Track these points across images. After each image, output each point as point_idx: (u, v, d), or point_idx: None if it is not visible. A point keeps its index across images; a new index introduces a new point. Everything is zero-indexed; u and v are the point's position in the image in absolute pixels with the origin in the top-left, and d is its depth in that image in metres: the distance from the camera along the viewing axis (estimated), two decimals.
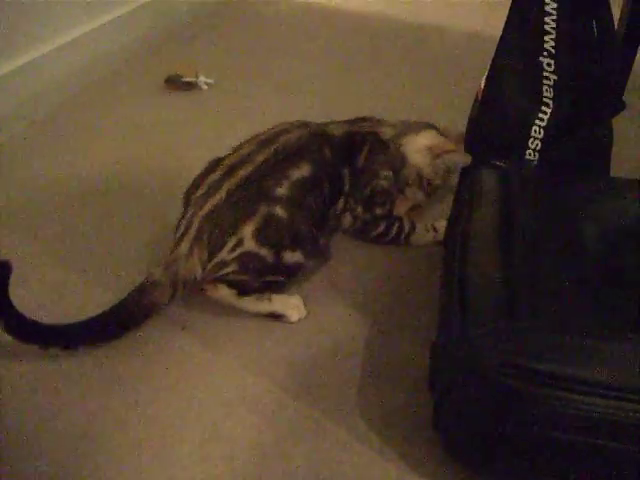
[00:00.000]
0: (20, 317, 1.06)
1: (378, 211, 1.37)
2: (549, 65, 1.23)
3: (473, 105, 1.44)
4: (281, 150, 1.24)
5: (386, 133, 1.39)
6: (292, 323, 1.22)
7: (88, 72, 2.07)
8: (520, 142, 1.28)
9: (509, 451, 0.88)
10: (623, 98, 1.33)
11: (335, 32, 2.51)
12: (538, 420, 0.83)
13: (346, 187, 1.34)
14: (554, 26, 1.21)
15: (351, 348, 1.17)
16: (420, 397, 1.07)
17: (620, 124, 1.34)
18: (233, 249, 1.16)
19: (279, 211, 1.18)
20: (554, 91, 1.25)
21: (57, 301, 1.25)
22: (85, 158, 1.66)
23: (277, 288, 1.24)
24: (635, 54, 1.56)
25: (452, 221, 1.24)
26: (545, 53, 1.23)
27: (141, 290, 1.15)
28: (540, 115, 1.26)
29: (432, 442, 1.00)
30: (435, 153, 1.39)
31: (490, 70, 1.33)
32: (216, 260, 1.17)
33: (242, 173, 1.20)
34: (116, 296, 1.15)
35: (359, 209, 1.36)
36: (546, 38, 1.22)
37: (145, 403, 1.07)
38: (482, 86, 1.37)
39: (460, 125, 1.47)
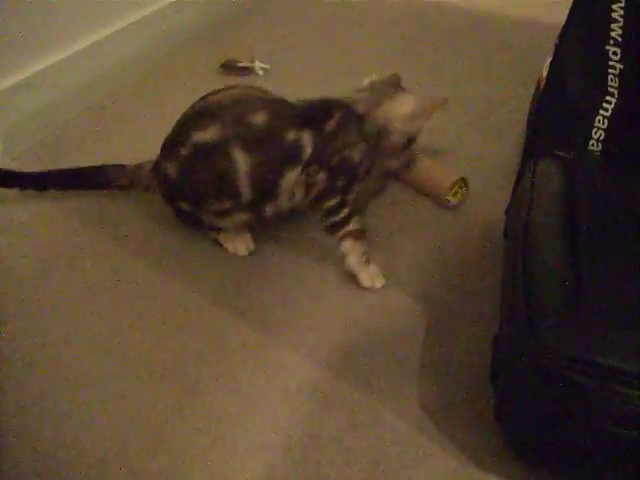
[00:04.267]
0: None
1: (339, 183, 1.28)
2: (615, 54, 1.21)
3: (534, 94, 1.42)
4: (198, 109, 1.27)
5: (358, 107, 1.30)
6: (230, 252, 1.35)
7: (144, 58, 2.08)
8: (583, 132, 1.25)
9: (571, 446, 0.88)
10: None
11: (389, 18, 2.49)
12: (601, 416, 0.82)
13: (305, 154, 1.25)
14: (622, 14, 1.18)
15: (410, 338, 1.17)
16: (480, 389, 1.07)
17: None
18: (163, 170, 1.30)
19: (171, 170, 1.27)
20: (619, 80, 1.22)
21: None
22: (144, 142, 1.67)
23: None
24: None
25: (512, 212, 1.22)
26: (611, 41, 1.20)
27: (112, 167, 1.42)
28: (604, 105, 1.24)
29: (493, 434, 1.00)
30: (424, 115, 1.37)
31: (553, 58, 1.31)
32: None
33: (181, 118, 1.29)
34: None
35: (320, 175, 1.26)
36: (613, 26, 1.19)
37: (203, 390, 1.08)
38: (544, 75, 1.35)
39: (522, 113, 1.45)
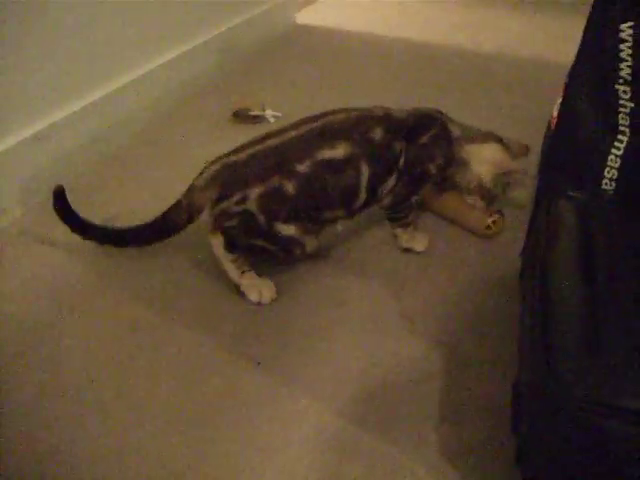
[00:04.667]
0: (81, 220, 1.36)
1: (412, 188, 1.44)
2: (625, 92, 1.21)
3: (546, 134, 1.42)
4: (318, 129, 1.33)
5: (454, 131, 1.46)
6: (253, 303, 1.34)
7: (156, 108, 2.10)
8: (596, 172, 1.25)
9: None
10: None
11: (398, 62, 2.51)
12: (623, 458, 0.80)
13: (400, 162, 1.40)
14: (630, 53, 1.18)
15: (429, 383, 1.16)
16: (499, 433, 1.06)
17: None
18: (238, 203, 1.28)
19: (289, 186, 1.28)
20: (630, 119, 1.22)
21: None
22: (155, 193, 1.68)
23: (269, 259, 1.37)
24: None
25: (527, 253, 1.22)
26: (621, 80, 1.20)
27: (169, 210, 1.34)
28: (616, 144, 1.24)
29: (513, 479, 0.98)
30: (498, 169, 1.47)
31: (563, 98, 1.31)
32: (222, 206, 1.29)
33: (270, 142, 1.32)
34: None
35: (400, 184, 1.42)
36: (622, 65, 1.20)
37: (221, 440, 1.07)
38: (555, 115, 1.35)
39: (533, 154, 1.46)
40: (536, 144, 1.49)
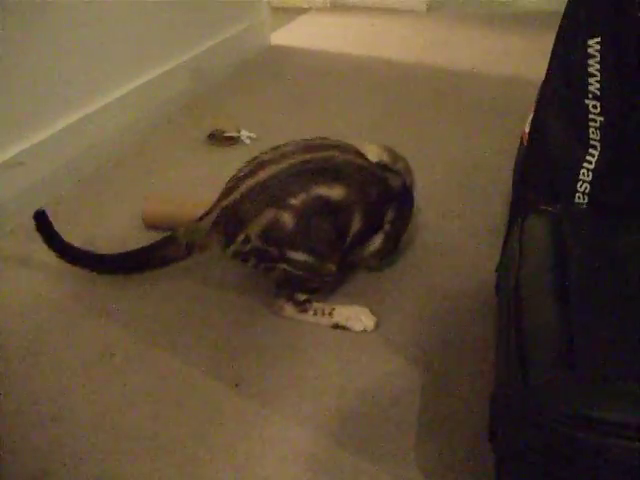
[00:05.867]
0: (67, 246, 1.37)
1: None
2: (595, 107, 1.22)
3: (519, 149, 1.43)
4: (318, 162, 1.29)
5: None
6: (358, 331, 1.32)
7: (131, 131, 2.10)
8: (568, 186, 1.26)
9: None
10: None
11: (374, 81, 2.53)
12: (601, 470, 0.80)
13: (387, 227, 1.41)
14: (598, 68, 1.20)
15: (407, 399, 1.16)
16: (479, 447, 1.05)
17: None
18: (244, 243, 1.28)
19: (286, 217, 1.25)
20: (601, 133, 1.23)
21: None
22: (131, 216, 1.68)
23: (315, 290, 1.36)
24: None
25: (502, 268, 1.23)
26: (590, 95, 1.22)
27: (162, 242, 1.34)
28: (588, 158, 1.25)
29: None
30: None
31: (534, 114, 1.32)
32: (233, 248, 1.30)
33: (263, 174, 1.27)
34: None
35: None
36: (590, 80, 1.21)
37: (200, 463, 1.06)
38: (526, 130, 1.37)
39: (507, 170, 1.47)
40: (509, 160, 1.50)
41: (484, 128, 2.07)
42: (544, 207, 1.23)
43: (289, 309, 1.35)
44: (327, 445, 1.08)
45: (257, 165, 1.30)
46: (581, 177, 1.26)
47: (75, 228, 1.62)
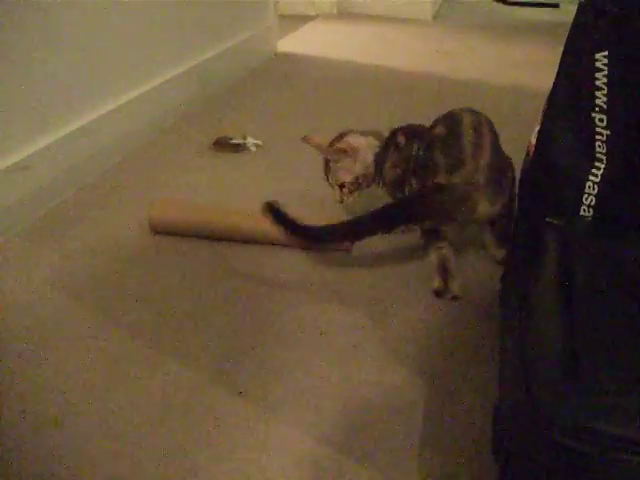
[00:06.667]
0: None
1: None
2: (601, 120, 1.22)
3: (524, 160, 1.43)
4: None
5: None
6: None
7: (137, 137, 2.11)
8: (574, 199, 1.26)
9: None
10: None
11: (379, 89, 2.53)
12: None
13: None
14: (605, 81, 1.20)
15: (410, 411, 1.16)
16: (483, 459, 1.05)
17: None
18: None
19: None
20: (607, 147, 1.24)
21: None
22: (136, 222, 1.68)
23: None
24: None
25: (507, 279, 1.23)
26: (597, 109, 1.22)
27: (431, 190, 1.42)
28: (594, 171, 1.25)
29: None
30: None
31: (540, 126, 1.33)
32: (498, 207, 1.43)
33: (488, 137, 1.47)
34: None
35: None
36: (597, 94, 1.21)
37: (203, 471, 1.06)
38: (533, 142, 1.37)
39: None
40: (515, 171, 1.51)
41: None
42: (549, 219, 1.23)
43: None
44: (330, 454, 1.08)
45: (474, 124, 1.50)
46: (587, 190, 1.26)
47: (80, 233, 1.63)
